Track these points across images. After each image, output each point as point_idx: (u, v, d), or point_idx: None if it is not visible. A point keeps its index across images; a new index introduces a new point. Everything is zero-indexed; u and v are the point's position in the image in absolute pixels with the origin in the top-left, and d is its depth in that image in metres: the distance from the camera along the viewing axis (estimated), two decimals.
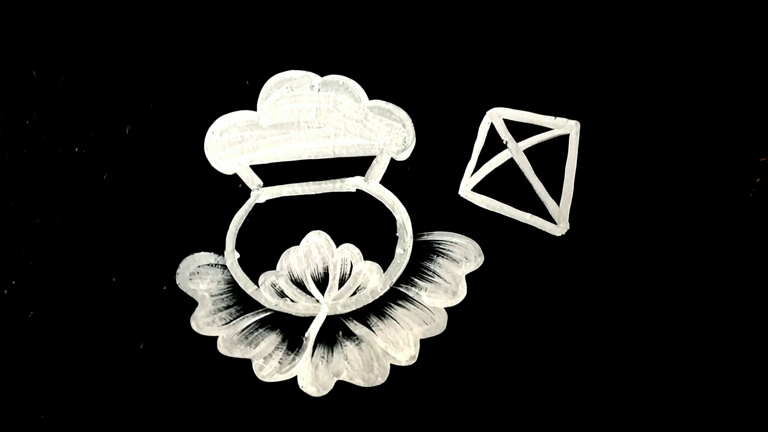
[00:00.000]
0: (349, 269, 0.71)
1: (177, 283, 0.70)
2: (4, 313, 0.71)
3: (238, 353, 0.71)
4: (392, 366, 0.72)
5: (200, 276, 0.71)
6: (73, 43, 0.69)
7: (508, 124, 0.70)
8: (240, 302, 0.71)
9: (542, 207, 0.70)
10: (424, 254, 0.71)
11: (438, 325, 0.71)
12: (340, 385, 0.72)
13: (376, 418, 0.72)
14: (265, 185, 0.71)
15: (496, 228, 0.70)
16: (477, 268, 0.70)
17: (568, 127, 0.69)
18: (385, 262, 0.71)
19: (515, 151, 0.70)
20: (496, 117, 0.69)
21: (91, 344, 0.71)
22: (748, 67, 0.68)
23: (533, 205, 0.70)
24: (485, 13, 0.69)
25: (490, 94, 0.69)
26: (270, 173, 0.70)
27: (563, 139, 0.69)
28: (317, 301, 0.72)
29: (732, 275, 0.70)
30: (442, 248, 0.71)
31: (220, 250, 0.70)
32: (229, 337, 0.71)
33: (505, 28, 0.69)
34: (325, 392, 0.72)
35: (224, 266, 0.71)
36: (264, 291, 0.71)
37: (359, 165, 0.70)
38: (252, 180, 0.70)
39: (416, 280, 0.71)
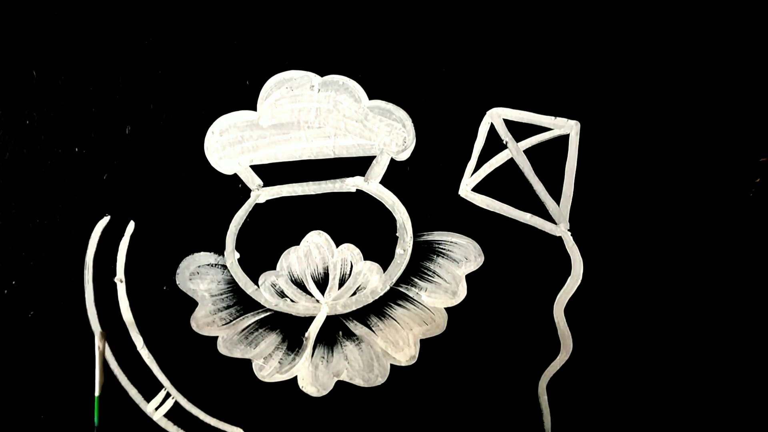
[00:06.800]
0: (349, 269, 0.71)
1: (177, 283, 0.70)
2: (4, 313, 0.71)
3: (238, 353, 0.71)
4: (392, 366, 0.72)
5: (200, 276, 0.71)
6: (73, 43, 0.69)
7: (508, 124, 0.70)
8: (240, 302, 0.71)
9: (542, 207, 0.70)
10: (424, 254, 0.71)
11: (438, 325, 0.71)
12: (340, 385, 0.72)
13: (376, 418, 0.72)
14: (265, 185, 0.71)
15: (496, 228, 0.70)
16: (477, 268, 0.70)
17: (568, 127, 0.69)
18: (385, 262, 0.71)
19: (515, 151, 0.70)
20: (496, 117, 0.70)
21: (91, 344, 0.71)
22: (748, 67, 0.68)
23: (533, 205, 0.70)
24: (485, 13, 0.69)
25: (490, 94, 0.69)
26: (270, 173, 0.70)
27: (563, 139, 0.69)
28: (317, 301, 0.72)
29: (732, 275, 0.70)
30: (442, 248, 0.71)
31: (220, 250, 0.71)
32: (229, 337, 0.71)
33: (505, 28, 0.69)
34: (325, 392, 0.72)
35: (224, 266, 0.71)
36: (264, 291, 0.71)
37: (359, 165, 0.70)
38: (252, 180, 0.70)
39: (416, 280, 0.71)
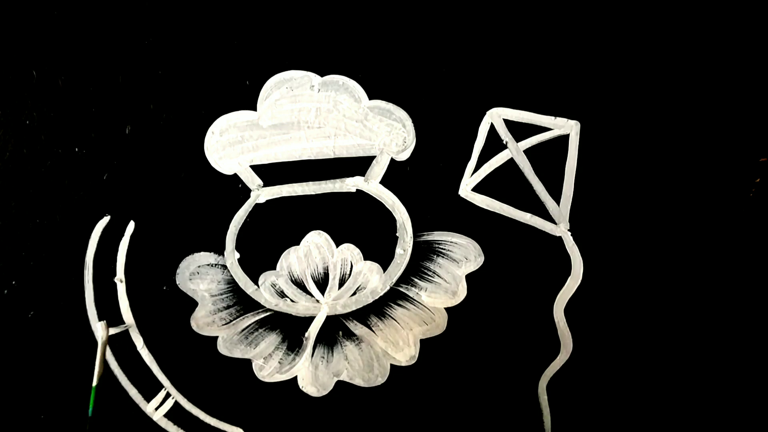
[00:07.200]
0: (349, 269, 0.71)
1: (177, 283, 0.70)
2: (4, 313, 0.71)
3: (238, 353, 0.71)
4: (392, 366, 0.72)
5: (200, 276, 0.71)
6: (73, 43, 0.69)
7: (508, 124, 0.70)
8: (240, 302, 0.71)
9: (542, 207, 0.70)
10: (424, 254, 0.71)
11: (438, 325, 0.71)
12: (340, 385, 0.72)
13: (376, 418, 0.72)
14: (265, 185, 0.71)
15: (496, 228, 0.70)
16: (477, 268, 0.70)
17: (568, 127, 0.69)
18: (385, 262, 0.71)
19: (515, 151, 0.70)
20: (496, 117, 0.70)
21: (91, 344, 0.71)
22: (748, 67, 0.68)
23: (533, 205, 0.70)
24: (485, 13, 0.69)
25: (490, 94, 0.69)
26: (270, 173, 0.70)
27: (563, 139, 0.69)
28: (317, 301, 0.72)
29: (732, 275, 0.70)
30: (442, 248, 0.71)
31: (220, 250, 0.70)
32: (229, 337, 0.71)
33: (505, 28, 0.69)
34: (325, 392, 0.72)
35: (224, 266, 0.71)
36: (264, 291, 0.71)
37: (359, 165, 0.70)
38: (252, 180, 0.70)
39: (416, 280, 0.71)
